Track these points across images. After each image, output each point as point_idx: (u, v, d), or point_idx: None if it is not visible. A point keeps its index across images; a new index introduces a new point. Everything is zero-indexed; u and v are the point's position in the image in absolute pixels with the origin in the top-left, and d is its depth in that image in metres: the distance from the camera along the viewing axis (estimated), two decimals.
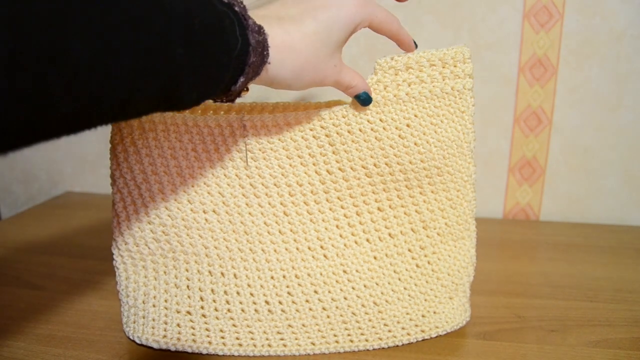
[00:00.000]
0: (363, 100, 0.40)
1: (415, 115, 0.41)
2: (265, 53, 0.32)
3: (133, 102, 0.27)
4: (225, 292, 0.43)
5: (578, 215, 0.78)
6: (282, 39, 0.33)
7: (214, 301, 0.43)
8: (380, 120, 0.41)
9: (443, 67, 0.41)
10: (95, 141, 0.87)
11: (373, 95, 0.41)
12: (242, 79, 0.32)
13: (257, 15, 0.33)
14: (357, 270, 0.43)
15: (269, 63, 0.33)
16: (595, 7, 0.70)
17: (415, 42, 0.42)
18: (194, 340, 0.43)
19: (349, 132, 0.41)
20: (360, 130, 0.41)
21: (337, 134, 0.41)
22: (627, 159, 0.75)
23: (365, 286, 0.44)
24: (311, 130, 0.42)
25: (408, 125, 0.41)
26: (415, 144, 0.41)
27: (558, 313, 0.51)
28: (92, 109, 0.25)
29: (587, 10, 0.71)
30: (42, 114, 0.23)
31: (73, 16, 0.22)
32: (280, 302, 0.43)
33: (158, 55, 0.26)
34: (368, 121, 0.41)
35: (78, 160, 0.91)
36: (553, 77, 0.74)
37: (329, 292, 0.43)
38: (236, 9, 0.31)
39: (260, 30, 0.32)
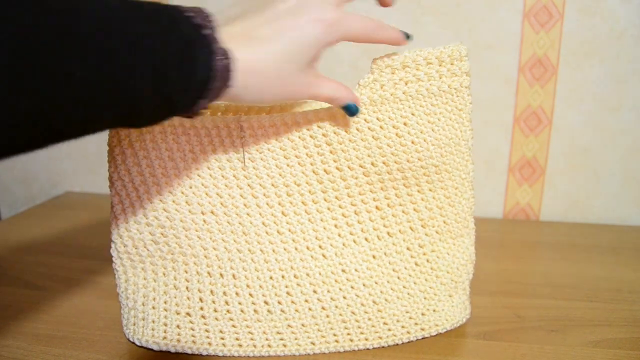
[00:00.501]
0: (349, 110, 0.40)
1: (413, 114, 0.41)
2: (229, 77, 0.32)
3: (89, 127, 0.28)
4: (225, 293, 0.43)
5: (578, 215, 0.78)
6: (249, 63, 0.33)
7: (213, 302, 0.43)
8: (378, 119, 0.41)
9: (440, 65, 0.41)
10: (95, 141, 0.87)
11: (370, 94, 0.41)
12: (202, 102, 0.32)
13: (228, 33, 0.33)
14: (356, 270, 0.43)
15: (232, 87, 0.33)
16: (595, 7, 0.70)
17: (407, 34, 0.41)
18: (193, 342, 0.43)
19: (346, 131, 0.41)
20: (357, 130, 0.41)
21: (335, 133, 0.41)
22: (627, 159, 0.75)
23: (364, 285, 0.43)
24: (308, 130, 0.42)
25: (405, 124, 0.41)
26: (412, 142, 0.41)
27: (558, 313, 0.51)
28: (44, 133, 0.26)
29: (587, 10, 0.71)
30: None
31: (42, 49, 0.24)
32: (279, 302, 0.43)
33: (122, 88, 0.27)
34: (365, 120, 0.41)
35: (78, 160, 0.91)
36: (553, 77, 0.74)
37: (328, 291, 0.43)
38: (206, 31, 0.31)
39: (226, 54, 0.32)
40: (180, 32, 0.30)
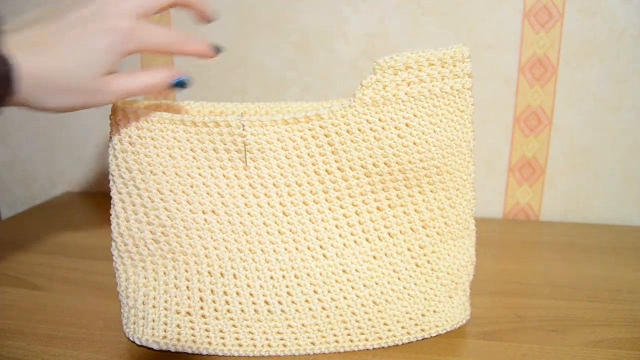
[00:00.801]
0: (180, 85, 0.40)
1: (415, 115, 0.41)
2: (8, 84, 0.32)
3: None
4: (225, 293, 0.43)
5: (578, 215, 0.78)
6: (34, 70, 0.33)
7: (214, 302, 0.43)
8: (380, 120, 0.41)
9: (442, 67, 0.41)
10: (95, 141, 0.87)
11: (373, 95, 0.41)
12: None
13: (14, 40, 0.33)
14: (356, 270, 0.43)
15: (15, 93, 0.33)
16: (595, 7, 0.70)
17: (217, 47, 0.41)
18: (193, 341, 0.43)
19: (347, 131, 0.41)
20: (359, 130, 0.41)
21: (336, 133, 0.41)
22: (627, 159, 0.75)
23: (364, 286, 0.44)
24: (310, 130, 0.42)
25: (407, 125, 0.41)
26: (414, 143, 0.41)
27: (558, 313, 0.51)
28: None
29: (587, 10, 0.71)
30: None
31: None
32: (279, 302, 0.43)
33: None
34: (367, 121, 0.41)
35: (78, 160, 0.91)
36: (553, 77, 0.74)
37: (329, 291, 0.43)
38: None
39: (4, 60, 0.31)
40: None
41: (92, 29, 0.35)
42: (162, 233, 0.42)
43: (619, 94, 0.73)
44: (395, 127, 0.41)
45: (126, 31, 0.35)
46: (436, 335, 0.45)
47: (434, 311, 0.45)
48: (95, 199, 0.87)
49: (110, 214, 0.43)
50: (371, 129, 0.41)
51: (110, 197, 0.43)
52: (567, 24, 0.71)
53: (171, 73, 0.39)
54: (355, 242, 0.44)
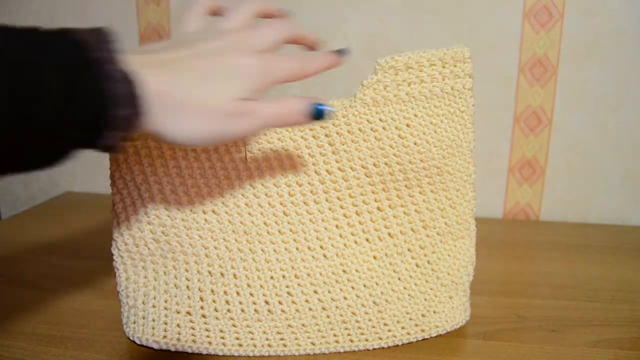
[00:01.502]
0: (318, 115, 0.35)
1: (415, 115, 0.41)
2: (136, 103, 0.28)
3: None
4: (225, 293, 0.43)
5: (578, 215, 0.78)
6: (161, 85, 0.29)
7: (214, 301, 0.43)
8: (380, 120, 0.41)
9: (443, 67, 0.41)
10: None
11: (373, 95, 0.41)
12: (110, 133, 0.28)
13: (136, 61, 0.29)
14: (356, 270, 0.43)
15: (145, 116, 0.29)
16: (595, 7, 0.70)
17: (341, 50, 0.38)
18: (193, 341, 0.43)
19: (348, 132, 0.41)
20: (359, 130, 0.41)
21: (337, 133, 0.41)
22: (627, 159, 0.75)
23: (365, 286, 0.44)
24: (311, 130, 0.42)
25: (408, 125, 0.41)
26: (415, 143, 0.41)
27: (558, 313, 0.51)
28: None
29: (587, 10, 0.71)
30: None
31: None
32: (280, 302, 0.43)
33: None
34: (368, 121, 0.41)
35: (78, 160, 0.90)
36: (553, 77, 0.74)
37: (329, 292, 0.43)
38: (96, 54, 0.27)
39: (127, 77, 0.28)
40: (60, 53, 0.26)
41: (227, 59, 0.32)
42: (163, 232, 0.42)
43: (619, 94, 0.73)
44: (396, 127, 0.41)
45: (261, 65, 0.33)
46: (436, 336, 0.45)
47: (434, 312, 0.45)
48: (96, 199, 0.87)
49: (111, 214, 0.43)
50: (372, 129, 0.41)
51: (110, 197, 0.43)
52: (567, 24, 0.71)
53: (308, 100, 0.35)
54: (355, 242, 0.44)
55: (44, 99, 0.25)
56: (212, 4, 0.40)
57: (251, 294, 0.43)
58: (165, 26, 0.81)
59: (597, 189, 0.77)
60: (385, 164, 0.42)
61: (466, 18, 0.73)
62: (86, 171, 0.91)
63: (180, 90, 0.30)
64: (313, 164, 0.42)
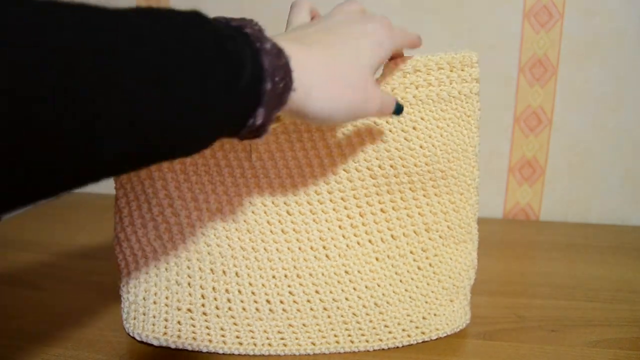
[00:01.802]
0: (398, 111, 0.37)
1: (422, 119, 0.41)
2: (287, 79, 0.28)
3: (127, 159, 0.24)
4: (227, 291, 0.43)
5: (578, 215, 0.78)
6: (308, 62, 0.29)
7: (215, 299, 0.43)
8: (387, 122, 0.41)
9: (451, 71, 0.41)
10: None
11: None
12: (261, 110, 0.28)
13: (279, 39, 0.29)
14: (358, 271, 0.43)
15: (294, 90, 0.29)
16: (595, 7, 0.70)
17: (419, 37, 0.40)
18: (194, 338, 0.43)
19: (355, 133, 0.41)
20: (366, 132, 0.41)
21: (343, 134, 0.41)
22: (627, 159, 0.75)
23: (366, 287, 0.43)
24: (318, 130, 0.42)
25: (414, 128, 0.41)
26: (421, 147, 0.41)
27: (558, 313, 0.51)
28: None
29: (587, 10, 0.71)
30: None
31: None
32: (281, 302, 0.43)
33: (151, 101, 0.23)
34: (375, 123, 0.41)
35: None
36: (553, 77, 0.74)
37: (331, 292, 0.43)
38: (247, 30, 0.27)
39: (279, 53, 0.28)
40: (214, 31, 0.26)
41: (357, 26, 0.34)
42: (166, 229, 0.42)
43: (619, 94, 0.73)
44: (403, 130, 0.41)
45: (386, 30, 0.35)
46: (436, 338, 0.45)
47: (435, 314, 0.45)
48: (95, 199, 0.87)
49: (114, 209, 0.43)
50: (378, 131, 0.41)
51: (110, 197, 0.43)
52: (567, 24, 0.71)
53: (395, 100, 0.37)
54: (358, 243, 0.44)
55: (211, 77, 0.25)
56: (312, 5, 0.40)
57: (253, 293, 0.43)
58: None
59: (597, 189, 0.77)
60: (391, 166, 0.42)
61: (466, 18, 0.73)
62: None
63: (322, 59, 0.31)
64: (318, 164, 0.42)
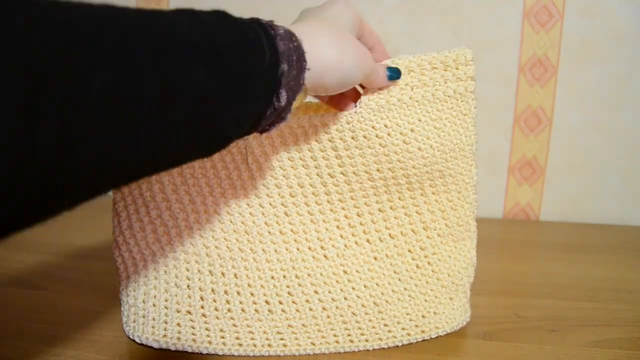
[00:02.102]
0: (394, 78, 0.40)
1: (419, 120, 0.41)
2: (302, 59, 0.31)
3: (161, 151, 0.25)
4: (226, 292, 0.43)
5: (578, 215, 0.78)
6: (317, 39, 0.32)
7: (214, 301, 0.43)
8: (385, 126, 0.41)
9: (445, 70, 0.41)
10: None
11: (378, 100, 0.40)
12: (283, 92, 0.30)
13: (288, 26, 0.32)
14: (357, 271, 0.43)
15: (309, 69, 0.31)
16: (595, 7, 0.70)
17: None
18: (194, 340, 0.43)
19: (352, 138, 0.41)
20: (364, 137, 0.41)
21: (341, 139, 0.41)
22: (627, 159, 0.75)
23: (365, 286, 0.43)
24: (314, 134, 0.41)
25: (412, 130, 0.41)
26: (419, 149, 0.41)
27: (558, 313, 0.51)
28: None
29: (587, 10, 0.71)
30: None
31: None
32: (280, 302, 0.43)
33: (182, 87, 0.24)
34: (373, 127, 0.40)
35: None
36: (553, 77, 0.74)
37: (330, 292, 0.43)
38: (262, 21, 0.30)
39: (292, 37, 0.30)
40: (236, 23, 0.29)
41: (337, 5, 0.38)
42: (164, 231, 0.42)
43: (619, 94, 0.73)
44: (401, 133, 0.41)
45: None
46: (436, 337, 0.45)
47: (434, 313, 0.45)
48: (96, 199, 0.87)
49: (112, 212, 0.43)
50: (377, 136, 0.41)
51: (110, 197, 0.43)
52: (567, 24, 0.71)
53: (386, 66, 0.40)
54: (356, 242, 0.44)
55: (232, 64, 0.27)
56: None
57: (252, 294, 0.43)
58: None
59: (597, 189, 0.77)
60: (389, 169, 0.42)
61: (466, 18, 0.73)
62: None
63: (323, 31, 0.34)
64: (316, 167, 0.42)
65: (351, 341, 0.44)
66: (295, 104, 0.32)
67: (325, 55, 0.33)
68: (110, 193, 0.43)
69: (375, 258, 0.44)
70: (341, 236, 0.43)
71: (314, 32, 0.33)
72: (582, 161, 0.76)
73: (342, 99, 0.41)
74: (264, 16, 0.32)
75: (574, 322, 0.49)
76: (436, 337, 0.45)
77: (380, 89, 0.40)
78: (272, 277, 0.43)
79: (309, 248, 0.43)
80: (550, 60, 0.73)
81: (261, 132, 0.33)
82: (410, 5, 0.74)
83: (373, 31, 0.41)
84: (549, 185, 0.78)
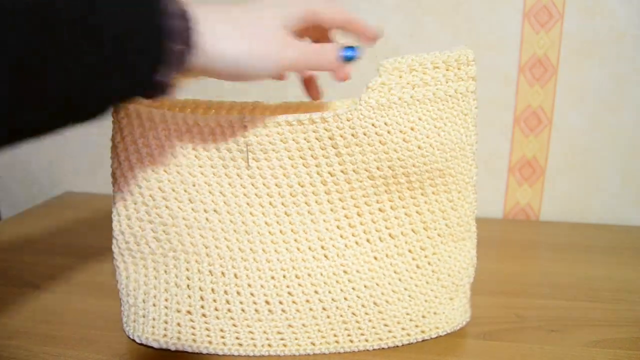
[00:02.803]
0: (349, 57, 0.39)
1: (420, 119, 0.41)
2: (190, 38, 0.31)
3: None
4: (226, 292, 0.43)
5: (578, 215, 0.78)
6: (215, 21, 0.32)
7: (215, 301, 0.43)
8: (385, 124, 0.41)
9: (447, 70, 0.41)
10: (95, 141, 0.87)
11: (378, 98, 0.40)
12: (164, 68, 0.30)
13: (192, 5, 0.32)
14: (357, 271, 0.43)
15: (195, 51, 0.31)
16: (595, 7, 0.70)
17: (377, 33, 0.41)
18: (194, 340, 0.43)
19: (352, 135, 0.41)
20: (364, 134, 0.41)
21: (341, 136, 0.41)
22: (627, 159, 0.75)
23: (365, 286, 0.43)
24: (314, 132, 0.41)
25: (412, 129, 0.41)
26: (418, 147, 0.41)
27: (558, 313, 0.51)
28: None
29: (587, 10, 0.71)
30: None
31: None
32: (280, 302, 0.43)
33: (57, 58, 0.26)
34: (373, 125, 0.41)
35: (78, 160, 0.91)
36: (553, 77, 0.74)
37: (330, 292, 0.43)
38: None
39: (184, 14, 0.30)
40: None
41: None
42: (164, 231, 0.42)
43: (619, 94, 0.73)
44: (401, 131, 0.41)
45: (299, 5, 0.37)
46: (436, 337, 0.45)
47: (434, 313, 0.45)
48: (95, 199, 0.87)
49: (112, 212, 0.43)
50: (377, 133, 0.41)
51: (110, 197, 0.43)
52: (567, 24, 0.71)
53: (338, 46, 0.39)
54: (356, 242, 0.44)
55: (110, 30, 0.28)
56: None
57: (252, 294, 0.43)
58: None
59: (597, 189, 0.77)
60: (389, 167, 0.42)
61: (466, 18, 0.73)
62: (86, 171, 0.91)
63: (231, 20, 0.33)
64: (316, 166, 0.42)
65: (351, 341, 0.44)
66: (178, 83, 0.33)
67: (220, 42, 0.32)
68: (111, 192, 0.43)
69: (375, 258, 0.44)
70: (341, 236, 0.43)
71: (215, 16, 0.32)
72: (582, 161, 0.76)
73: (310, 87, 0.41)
74: None
75: (574, 322, 0.49)
76: (436, 337, 0.45)
77: (335, 72, 0.40)
78: (272, 277, 0.43)
79: (309, 248, 0.43)
80: (550, 60, 0.73)
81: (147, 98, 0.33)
82: (410, 5, 0.74)
83: (340, 13, 0.39)
84: (549, 185, 0.78)
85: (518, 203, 0.79)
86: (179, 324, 0.43)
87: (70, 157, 0.91)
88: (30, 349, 0.45)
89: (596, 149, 0.75)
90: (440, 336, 0.45)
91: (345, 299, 0.43)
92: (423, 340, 0.45)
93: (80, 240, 0.69)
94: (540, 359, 0.43)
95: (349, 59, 0.39)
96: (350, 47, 0.39)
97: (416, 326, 0.44)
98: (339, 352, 0.44)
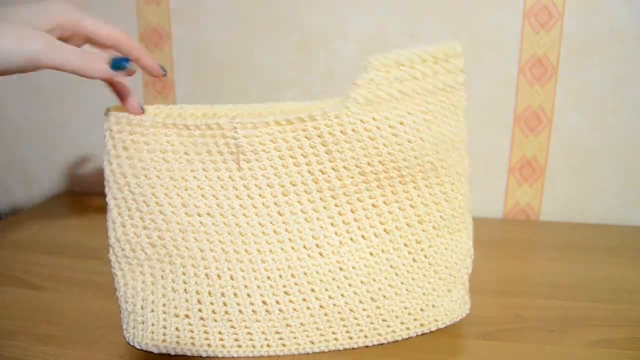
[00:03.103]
0: (119, 64, 0.39)
1: (409, 113, 0.41)
2: None
3: None
4: (223, 294, 0.43)
5: (578, 215, 0.78)
6: None
7: (212, 304, 0.43)
8: (373, 119, 0.41)
9: (435, 63, 0.41)
10: (95, 141, 0.87)
11: (366, 94, 0.40)
12: None
13: None
14: (353, 267, 0.43)
15: None
16: (595, 7, 0.70)
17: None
18: (192, 344, 0.43)
19: (341, 132, 0.41)
20: (353, 131, 0.41)
21: (330, 134, 0.41)
22: (627, 159, 0.75)
23: (362, 282, 0.43)
24: (303, 130, 0.41)
25: (402, 123, 0.41)
26: (409, 141, 0.41)
27: (558, 313, 0.50)
28: None
29: (587, 10, 0.70)
30: None
31: None
32: (277, 302, 0.43)
33: None
34: (361, 121, 0.41)
35: (78, 160, 0.91)
36: (553, 77, 0.74)
37: (326, 290, 0.43)
38: None
39: None
40: None
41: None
42: (159, 237, 0.42)
43: (619, 94, 0.73)
44: (390, 127, 0.41)
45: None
46: (436, 332, 0.45)
47: (433, 305, 0.45)
48: (95, 199, 0.87)
49: (106, 220, 0.43)
50: (365, 129, 0.41)
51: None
52: (567, 24, 0.71)
53: (107, 59, 0.39)
54: (351, 239, 0.44)
55: None
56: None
57: (248, 295, 0.43)
58: (165, 26, 0.81)
59: (597, 189, 0.77)
60: (380, 162, 0.42)
61: (466, 18, 0.73)
62: (86, 171, 0.92)
63: None
64: (306, 164, 0.42)
65: (350, 338, 0.44)
66: None
67: None
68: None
69: (371, 254, 0.44)
70: (336, 233, 0.43)
71: None
72: (582, 161, 0.76)
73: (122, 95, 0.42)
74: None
75: (574, 322, 0.49)
76: (436, 335, 0.45)
77: (109, 80, 0.40)
78: (269, 277, 0.43)
79: (304, 247, 0.43)
80: (550, 60, 0.73)
81: None
82: (410, 5, 0.74)
83: (111, 33, 0.41)
84: (549, 185, 0.78)
85: (518, 203, 0.79)
86: (177, 329, 0.43)
87: (70, 157, 0.91)
88: (30, 349, 0.45)
89: (596, 149, 0.75)
90: (440, 333, 0.45)
91: (342, 296, 0.43)
92: (422, 334, 0.45)
93: (80, 240, 0.69)
94: (540, 359, 0.43)
95: (118, 66, 0.38)
96: (119, 59, 0.39)
97: (415, 320, 0.44)
98: (338, 350, 0.44)
